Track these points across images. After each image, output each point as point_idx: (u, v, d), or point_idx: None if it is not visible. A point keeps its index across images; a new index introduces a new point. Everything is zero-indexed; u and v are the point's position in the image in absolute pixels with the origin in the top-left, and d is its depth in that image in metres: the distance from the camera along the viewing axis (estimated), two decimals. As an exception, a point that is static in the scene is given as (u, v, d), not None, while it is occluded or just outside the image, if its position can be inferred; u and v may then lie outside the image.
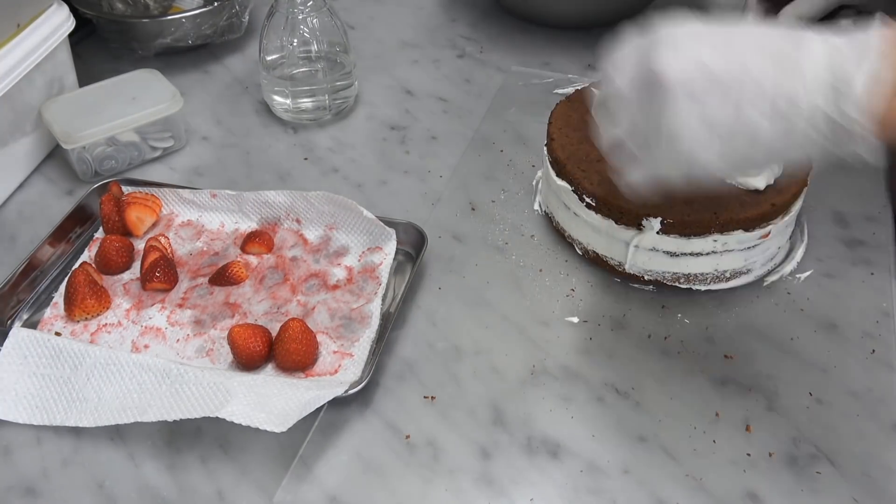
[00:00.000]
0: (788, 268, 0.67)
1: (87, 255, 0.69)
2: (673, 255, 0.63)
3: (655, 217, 0.61)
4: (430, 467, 0.54)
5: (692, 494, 0.52)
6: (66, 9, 0.80)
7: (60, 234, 0.70)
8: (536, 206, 0.74)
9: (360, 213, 0.68)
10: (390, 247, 0.68)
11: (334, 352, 0.61)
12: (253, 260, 0.68)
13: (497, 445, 0.56)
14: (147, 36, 0.91)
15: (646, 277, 0.65)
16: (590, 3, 0.94)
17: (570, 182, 0.66)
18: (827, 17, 0.56)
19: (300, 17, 0.81)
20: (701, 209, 0.61)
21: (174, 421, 0.54)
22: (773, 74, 0.43)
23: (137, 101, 0.79)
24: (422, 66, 0.95)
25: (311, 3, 0.81)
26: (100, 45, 0.97)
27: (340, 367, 0.60)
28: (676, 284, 0.65)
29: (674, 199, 0.62)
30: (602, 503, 0.52)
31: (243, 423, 0.52)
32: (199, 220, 0.72)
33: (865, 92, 0.41)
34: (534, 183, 0.76)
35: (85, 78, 0.84)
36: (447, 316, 0.65)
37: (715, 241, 0.62)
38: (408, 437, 0.56)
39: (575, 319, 0.64)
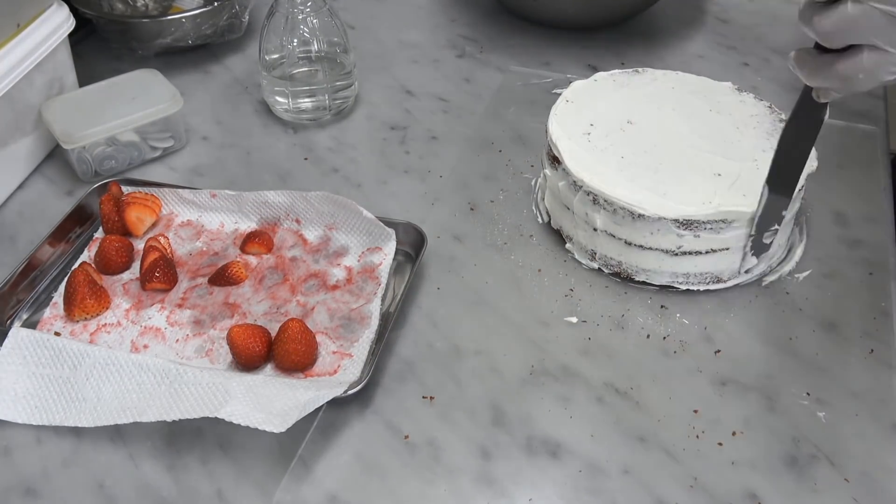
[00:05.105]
0: (787, 267, 0.67)
1: (87, 255, 0.69)
2: (672, 254, 0.63)
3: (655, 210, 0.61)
4: (429, 467, 0.54)
5: (692, 494, 0.52)
6: (66, 9, 0.80)
7: (60, 234, 0.70)
8: (535, 207, 0.74)
9: (360, 213, 0.68)
10: (390, 247, 0.68)
11: (334, 352, 0.61)
12: (252, 260, 0.68)
13: (497, 445, 0.56)
14: (147, 36, 0.91)
15: (644, 277, 0.65)
16: (590, 3, 0.94)
17: (569, 181, 0.66)
18: None
19: (300, 17, 0.81)
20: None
21: (174, 421, 0.54)
22: None
23: (137, 101, 0.79)
24: (422, 66, 0.95)
25: (310, 3, 0.81)
26: (100, 45, 0.97)
27: (340, 368, 0.60)
28: (675, 284, 0.65)
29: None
30: (602, 503, 0.52)
31: (242, 424, 0.52)
32: (198, 220, 0.72)
33: None
34: (533, 183, 0.76)
35: (85, 78, 0.84)
36: (447, 316, 0.65)
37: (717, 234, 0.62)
38: (407, 437, 0.56)
39: (574, 319, 0.64)
